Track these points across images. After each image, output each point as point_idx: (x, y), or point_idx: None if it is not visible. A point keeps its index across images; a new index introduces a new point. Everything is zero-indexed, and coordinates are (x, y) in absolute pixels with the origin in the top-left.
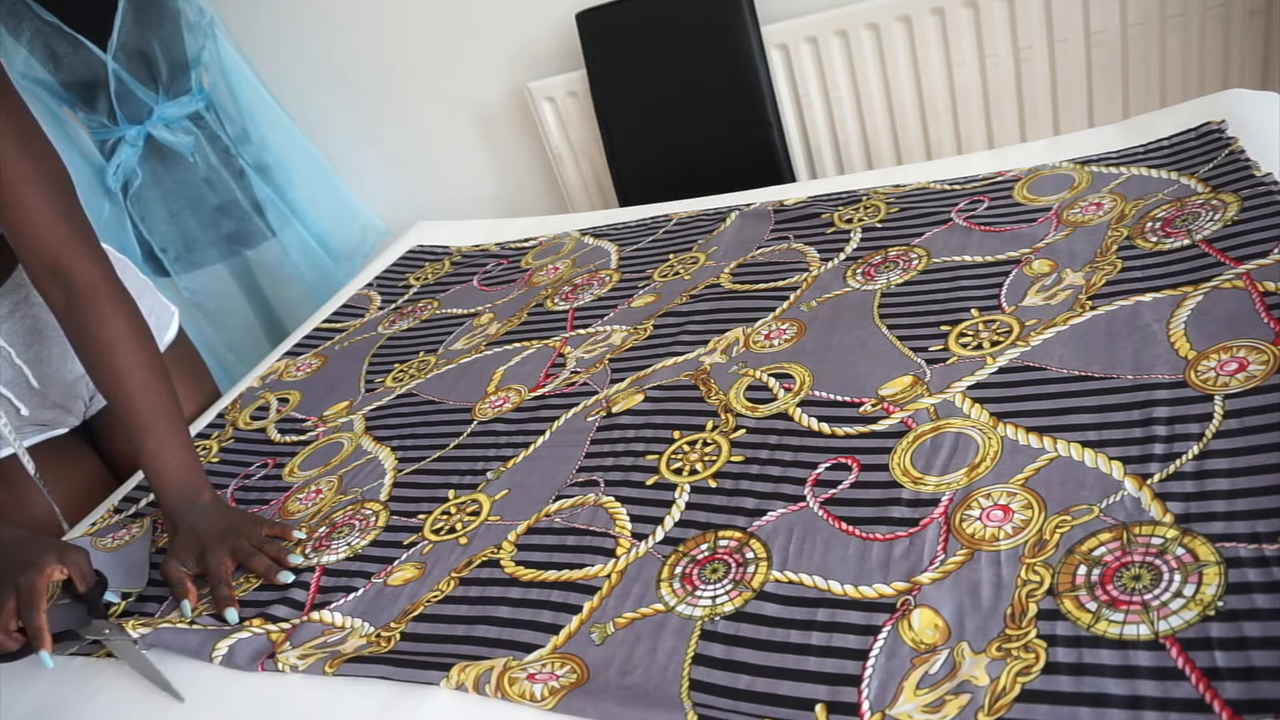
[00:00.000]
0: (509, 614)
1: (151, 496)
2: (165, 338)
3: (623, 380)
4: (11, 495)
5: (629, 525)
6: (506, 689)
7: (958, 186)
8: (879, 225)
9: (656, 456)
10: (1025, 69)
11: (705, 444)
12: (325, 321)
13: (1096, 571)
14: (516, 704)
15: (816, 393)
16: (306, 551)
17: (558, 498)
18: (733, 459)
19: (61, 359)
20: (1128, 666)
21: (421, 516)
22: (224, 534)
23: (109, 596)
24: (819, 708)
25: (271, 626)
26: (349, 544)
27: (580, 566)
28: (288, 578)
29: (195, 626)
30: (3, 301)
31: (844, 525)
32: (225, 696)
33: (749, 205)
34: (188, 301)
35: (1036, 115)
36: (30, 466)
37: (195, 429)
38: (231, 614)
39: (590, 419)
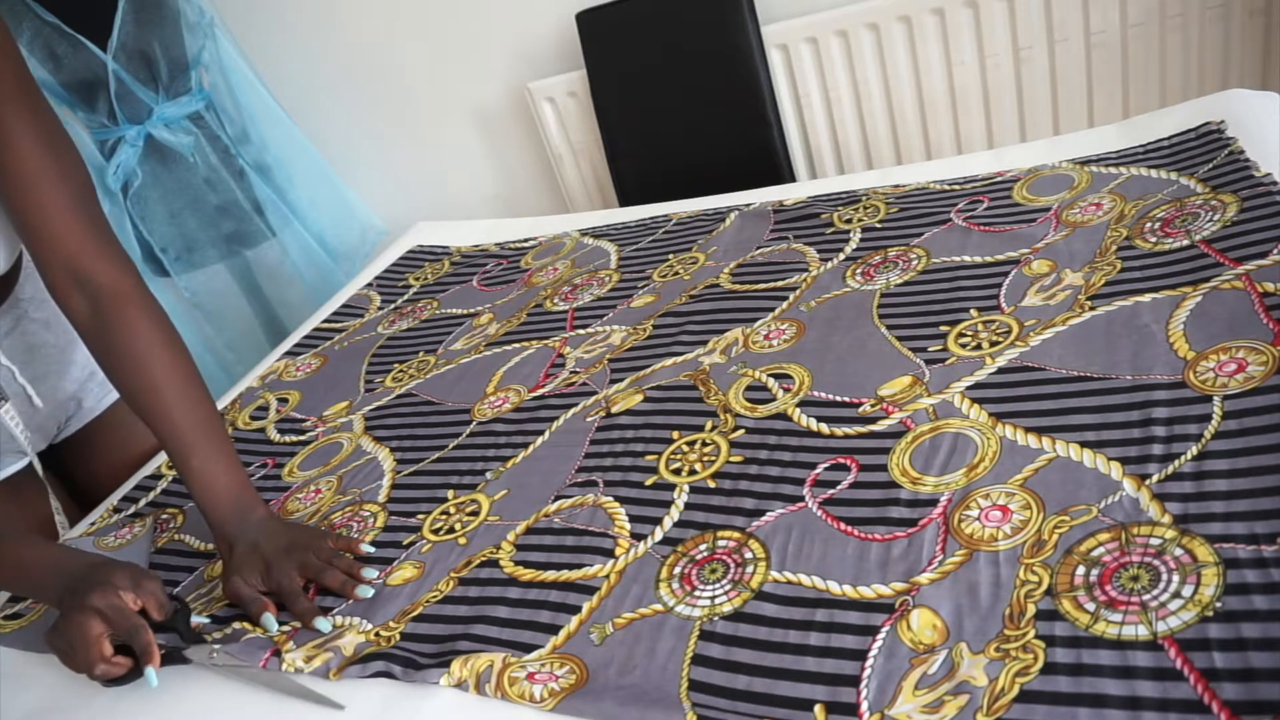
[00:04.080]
0: (508, 614)
1: (151, 496)
2: None
3: (622, 380)
4: (12, 498)
5: (628, 525)
6: (506, 689)
7: (957, 186)
8: (878, 225)
9: (656, 457)
10: (1025, 69)
11: (704, 444)
12: (325, 321)
13: (1095, 572)
14: (516, 704)
15: (815, 393)
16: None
17: (557, 498)
18: (732, 459)
19: (57, 376)
20: (1126, 667)
21: (420, 517)
22: (288, 549)
23: (196, 619)
24: (818, 708)
25: (272, 630)
26: None
27: (579, 567)
28: (367, 592)
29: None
30: (2, 320)
31: (843, 525)
32: (225, 696)
33: (749, 205)
34: (188, 301)
35: (1036, 115)
36: (38, 468)
37: None
38: (324, 623)
39: (589, 419)
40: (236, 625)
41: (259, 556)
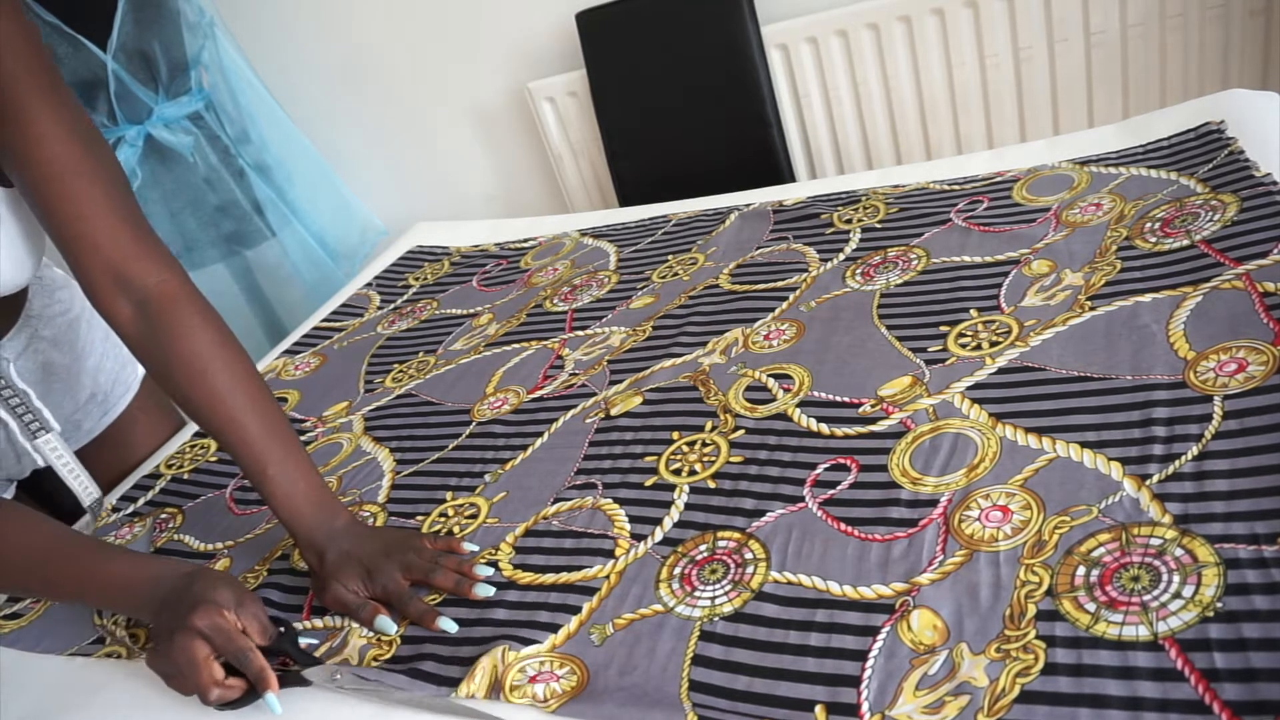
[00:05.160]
0: (506, 615)
1: (150, 495)
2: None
3: (621, 382)
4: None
5: (628, 526)
6: (508, 694)
7: (957, 186)
8: (878, 225)
9: (655, 458)
10: (1025, 69)
11: (704, 445)
12: (324, 321)
13: (1095, 572)
14: (517, 704)
15: (815, 393)
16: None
17: (556, 500)
18: (732, 459)
19: (63, 394)
20: (1127, 667)
21: (420, 518)
22: (386, 552)
23: (306, 639)
24: (819, 709)
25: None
26: None
27: (579, 569)
28: (486, 590)
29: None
30: (15, 341)
31: (843, 526)
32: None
33: (748, 205)
34: None
35: (1036, 115)
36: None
37: (172, 447)
38: (447, 623)
39: (589, 421)
40: None
41: (355, 561)
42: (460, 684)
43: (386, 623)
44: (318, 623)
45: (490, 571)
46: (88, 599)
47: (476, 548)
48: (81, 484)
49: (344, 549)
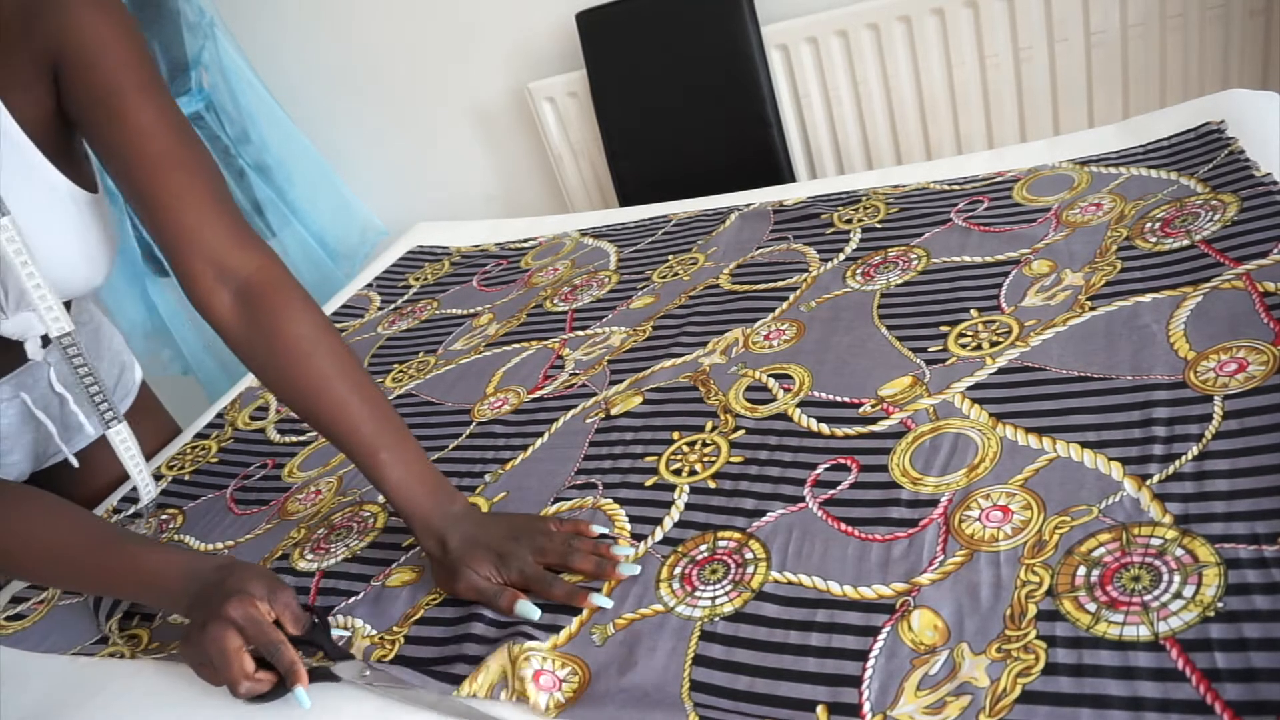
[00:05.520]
0: (507, 616)
1: (153, 495)
2: (133, 397)
3: (621, 382)
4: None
5: (628, 526)
6: (516, 686)
7: (957, 187)
8: (878, 225)
9: (655, 458)
10: (1025, 69)
11: (704, 445)
12: None
13: (1096, 572)
14: (517, 704)
15: (816, 393)
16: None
17: (556, 500)
18: (732, 459)
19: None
20: (1128, 668)
21: None
22: (514, 536)
23: (338, 633)
24: (820, 709)
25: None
26: (347, 546)
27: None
28: (632, 569)
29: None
30: (55, 347)
31: (843, 526)
32: (225, 700)
33: (749, 205)
34: (188, 301)
35: (1036, 115)
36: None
37: (174, 448)
38: (602, 598)
39: (589, 421)
40: None
41: (484, 547)
42: (464, 682)
43: (529, 607)
44: None
45: (630, 551)
46: (118, 590)
47: (605, 529)
48: (144, 479)
49: (468, 534)
